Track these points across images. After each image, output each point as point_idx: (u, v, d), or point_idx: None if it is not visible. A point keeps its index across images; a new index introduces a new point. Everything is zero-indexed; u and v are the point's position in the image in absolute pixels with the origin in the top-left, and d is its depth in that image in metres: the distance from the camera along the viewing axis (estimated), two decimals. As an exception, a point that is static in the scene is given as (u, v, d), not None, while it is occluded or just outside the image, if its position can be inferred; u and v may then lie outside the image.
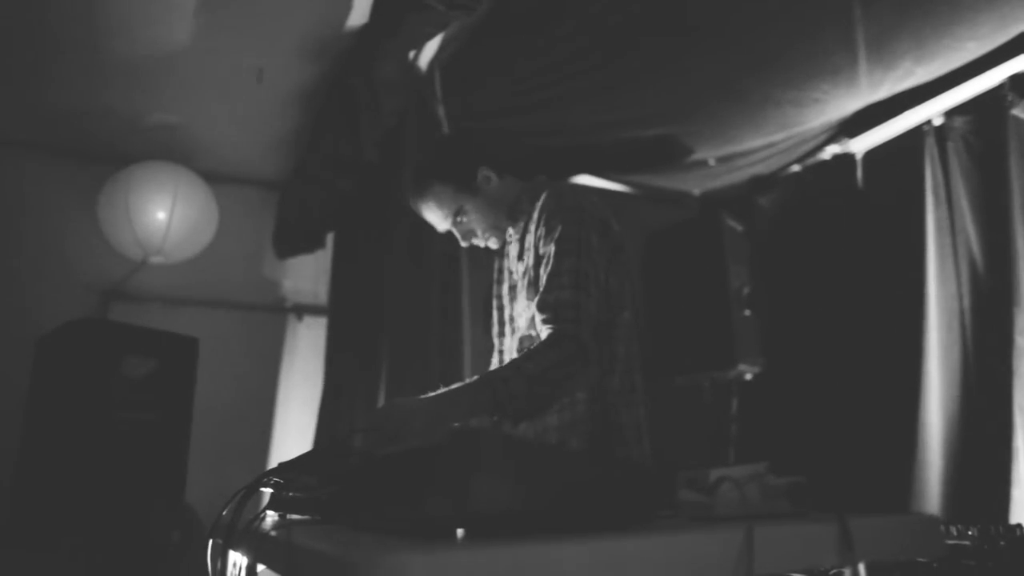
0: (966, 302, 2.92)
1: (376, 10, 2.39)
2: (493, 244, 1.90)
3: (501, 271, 1.95)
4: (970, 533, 1.69)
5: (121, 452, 2.30)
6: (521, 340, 1.76)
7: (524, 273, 1.76)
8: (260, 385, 3.68)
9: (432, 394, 1.62)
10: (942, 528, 1.02)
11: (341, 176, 2.99)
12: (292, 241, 3.54)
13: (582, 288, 1.62)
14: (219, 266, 3.64)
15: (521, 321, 1.77)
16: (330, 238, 3.74)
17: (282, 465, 1.59)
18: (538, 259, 1.70)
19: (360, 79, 2.50)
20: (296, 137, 3.48)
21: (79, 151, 3.49)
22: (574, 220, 1.67)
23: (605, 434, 1.65)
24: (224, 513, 1.52)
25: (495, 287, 1.98)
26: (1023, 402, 2.60)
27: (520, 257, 1.81)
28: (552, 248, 1.64)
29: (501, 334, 1.93)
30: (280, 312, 3.84)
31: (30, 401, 2.53)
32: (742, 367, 3.12)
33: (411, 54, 2.50)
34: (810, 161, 3.66)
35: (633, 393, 1.71)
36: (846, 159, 3.49)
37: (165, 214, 3.13)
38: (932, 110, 3.11)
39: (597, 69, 2.91)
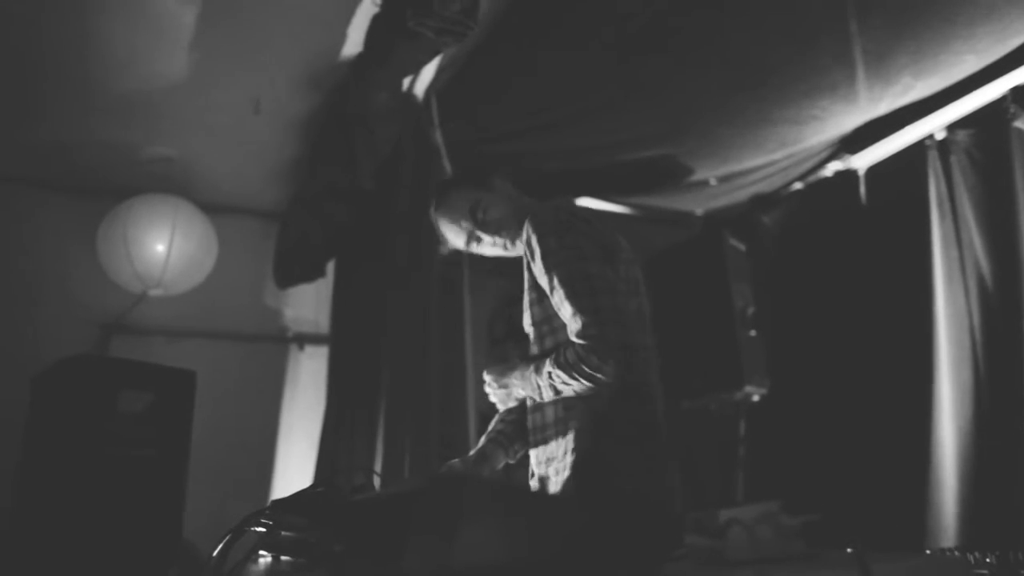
0: (975, 317, 2.86)
1: (368, 40, 2.39)
2: (510, 249, 1.93)
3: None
4: (988, 561, 1.63)
5: (118, 489, 2.25)
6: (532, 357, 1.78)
7: (527, 294, 1.78)
8: (262, 416, 3.65)
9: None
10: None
11: (339, 205, 2.98)
12: (292, 271, 3.52)
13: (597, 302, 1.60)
14: (220, 297, 3.61)
15: (531, 335, 1.78)
16: (331, 266, 3.72)
17: (274, 504, 1.55)
18: (534, 282, 1.72)
19: (355, 109, 2.50)
20: (294, 167, 3.47)
21: (77, 185, 3.49)
22: (570, 259, 1.65)
23: (611, 467, 1.60)
24: (215, 555, 1.48)
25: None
26: (1038, 419, 2.54)
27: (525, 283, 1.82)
28: (555, 276, 1.64)
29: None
30: (282, 342, 3.81)
31: (26, 440, 2.49)
32: (749, 388, 3.06)
33: (406, 82, 2.50)
34: (812, 178, 3.63)
35: (646, 421, 1.66)
36: (848, 175, 3.46)
37: (164, 246, 3.12)
38: (934, 124, 3.08)
39: (593, 91, 2.90)
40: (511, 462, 1.89)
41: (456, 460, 1.80)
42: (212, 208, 3.52)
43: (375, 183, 2.89)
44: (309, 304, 3.86)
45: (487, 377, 1.82)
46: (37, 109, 3.01)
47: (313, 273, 3.52)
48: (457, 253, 3.91)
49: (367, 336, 3.12)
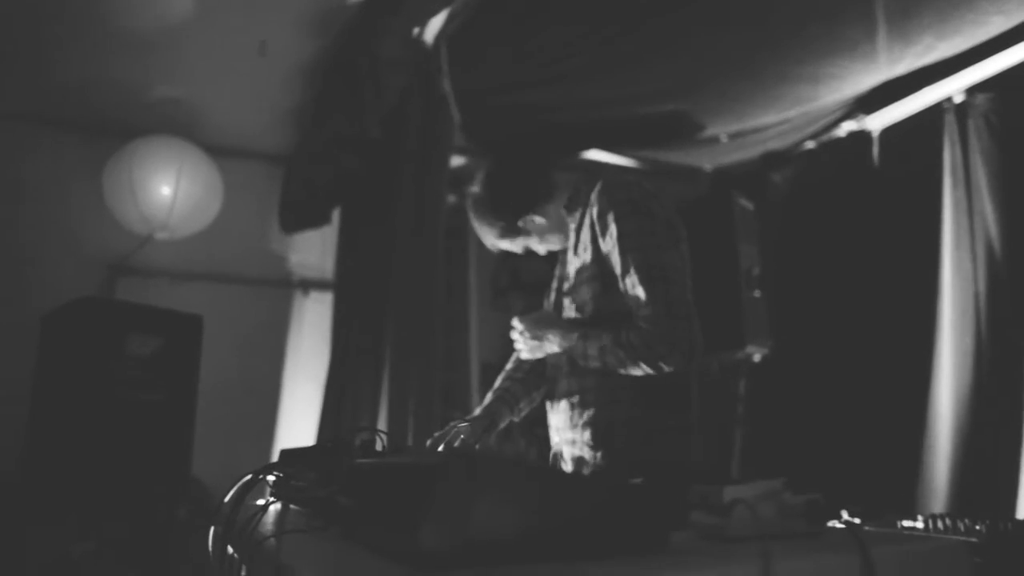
0: (981, 285, 2.86)
1: (379, -16, 2.33)
2: (559, 245, 1.89)
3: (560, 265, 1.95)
4: (978, 528, 1.68)
5: (126, 430, 2.31)
6: None
7: (582, 269, 1.74)
8: (267, 360, 3.69)
9: (557, 319, 1.76)
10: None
11: (345, 153, 2.95)
12: (297, 217, 3.52)
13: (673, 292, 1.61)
14: (225, 241, 3.61)
15: (576, 313, 1.75)
16: (336, 213, 3.70)
17: (284, 454, 1.59)
18: (598, 256, 1.69)
19: (363, 56, 2.45)
20: (301, 111, 3.42)
21: (83, 124, 3.45)
22: (650, 245, 1.63)
23: (650, 436, 1.67)
24: (226, 500, 1.52)
25: (554, 282, 1.97)
26: (1036, 388, 2.57)
27: (575, 251, 1.78)
28: (631, 259, 1.62)
29: None
30: (287, 287, 3.82)
31: (36, 379, 2.54)
32: (750, 348, 3.08)
33: (415, 30, 2.43)
34: (825, 138, 3.58)
35: (685, 395, 1.73)
36: (862, 136, 3.41)
37: (170, 189, 3.11)
38: (953, 87, 3.02)
39: (609, 43, 2.83)
40: (515, 419, 1.92)
41: (465, 422, 1.81)
42: (218, 151, 3.48)
43: (382, 131, 2.85)
44: (315, 250, 3.86)
45: (519, 324, 1.76)
46: (44, 47, 2.96)
47: (319, 220, 3.51)
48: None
49: (373, 283, 3.13)
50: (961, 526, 1.71)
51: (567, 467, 1.77)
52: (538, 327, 1.72)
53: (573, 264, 1.78)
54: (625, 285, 1.62)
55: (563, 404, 1.77)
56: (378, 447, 1.51)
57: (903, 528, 1.82)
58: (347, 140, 2.89)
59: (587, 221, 1.72)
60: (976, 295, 2.86)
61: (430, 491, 0.65)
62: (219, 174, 3.37)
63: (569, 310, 1.77)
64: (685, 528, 0.84)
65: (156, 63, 3.10)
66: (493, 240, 1.84)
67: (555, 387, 1.82)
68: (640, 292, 1.59)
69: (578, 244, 1.77)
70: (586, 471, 1.69)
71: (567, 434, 1.75)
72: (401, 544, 0.68)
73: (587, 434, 1.70)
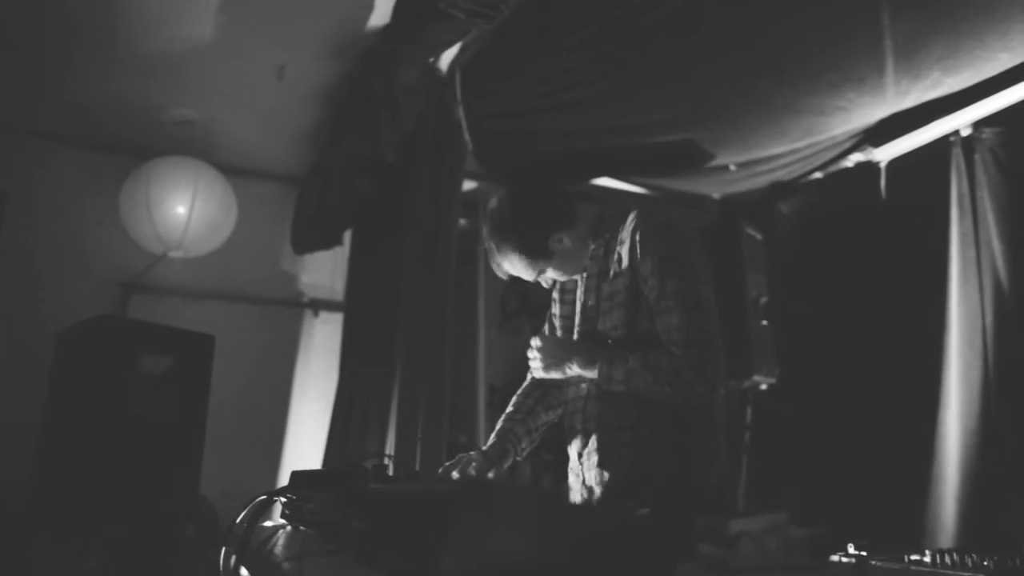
0: (988, 318, 2.87)
1: (396, 15, 2.38)
2: (577, 275, 1.93)
3: (570, 291, 1.97)
4: (986, 564, 1.67)
5: (137, 447, 2.33)
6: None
7: (613, 294, 1.77)
8: (276, 379, 3.72)
9: (580, 344, 1.80)
10: None
11: (359, 175, 3.00)
12: (310, 237, 3.56)
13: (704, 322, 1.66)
14: (238, 260, 3.66)
15: (607, 336, 1.77)
16: (348, 235, 3.75)
17: (296, 476, 1.60)
18: (633, 281, 1.72)
19: (379, 81, 2.50)
20: (316, 133, 3.48)
21: (101, 144, 3.52)
22: (688, 274, 1.70)
23: (685, 459, 1.70)
24: (238, 521, 1.54)
25: (559, 306, 2.01)
26: (1044, 422, 2.56)
27: (605, 276, 1.81)
28: (669, 286, 1.67)
29: None
30: (297, 307, 3.86)
31: (50, 394, 2.57)
32: (757, 378, 3.09)
33: (431, 59, 2.49)
34: (833, 168, 3.60)
35: (711, 417, 1.76)
36: (870, 168, 3.44)
37: (185, 209, 3.16)
38: (960, 121, 3.05)
39: (620, 72, 2.87)
40: (518, 459, 1.94)
41: (475, 454, 1.83)
42: (232, 171, 3.54)
43: (397, 155, 2.90)
44: (326, 270, 3.90)
45: (538, 343, 1.78)
46: (64, 66, 3.03)
47: (331, 241, 3.55)
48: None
49: (383, 306, 3.16)
50: (969, 561, 1.70)
51: (589, 491, 1.78)
52: (560, 350, 1.76)
53: (598, 291, 1.81)
54: (659, 308, 1.67)
55: (586, 428, 1.78)
56: (388, 473, 1.53)
57: (910, 562, 1.81)
58: (361, 162, 2.94)
59: (624, 247, 1.76)
60: (983, 328, 2.86)
61: (448, 519, 0.67)
62: (233, 194, 3.42)
63: (602, 328, 1.79)
64: (691, 560, 0.85)
65: (174, 84, 3.16)
66: (511, 263, 1.84)
67: (576, 412, 1.83)
68: (674, 318, 1.64)
69: (606, 270, 1.81)
70: (610, 494, 1.71)
71: (591, 458, 1.76)
72: (418, 571, 0.69)
73: (611, 458, 1.72)
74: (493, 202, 1.89)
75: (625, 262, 1.75)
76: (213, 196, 3.24)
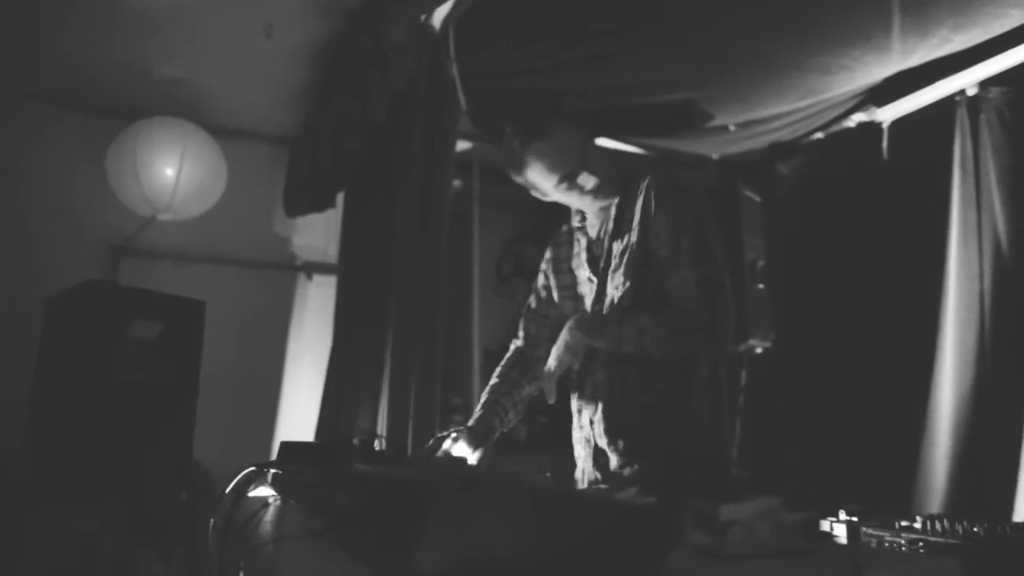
0: (987, 283, 2.84)
1: (387, -30, 2.29)
2: (593, 205, 1.87)
3: (576, 242, 1.95)
4: (975, 531, 1.68)
5: (129, 413, 2.32)
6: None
7: (625, 250, 1.76)
8: (269, 343, 3.70)
9: (584, 319, 1.76)
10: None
11: (349, 136, 2.93)
12: (302, 199, 3.50)
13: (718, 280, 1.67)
14: (229, 223, 3.61)
15: (616, 294, 1.76)
16: (341, 196, 3.69)
17: (285, 446, 1.59)
18: (644, 242, 1.72)
19: (369, 39, 2.42)
20: (307, 92, 3.40)
21: (86, 104, 3.43)
22: (702, 232, 1.71)
23: (682, 424, 1.72)
24: (227, 491, 1.53)
25: (555, 276, 1.99)
26: (1038, 387, 2.56)
27: (616, 235, 1.80)
28: (683, 240, 1.68)
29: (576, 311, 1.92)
30: (290, 270, 3.83)
31: (40, 360, 2.55)
32: (753, 341, 3.08)
33: (423, 16, 2.40)
34: (834, 129, 3.53)
35: (715, 383, 1.78)
36: (872, 128, 3.37)
37: (173, 171, 3.10)
38: (966, 80, 2.97)
39: (620, 31, 2.79)
40: (504, 430, 1.93)
41: (462, 430, 1.81)
42: (222, 132, 3.46)
43: (388, 115, 2.83)
44: (318, 233, 3.85)
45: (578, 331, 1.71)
46: (47, 24, 2.93)
47: (323, 203, 3.50)
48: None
49: (376, 268, 3.12)
50: (960, 528, 1.71)
51: (599, 455, 1.78)
52: (568, 337, 1.70)
53: (609, 251, 1.80)
54: (673, 263, 1.67)
55: (595, 394, 1.79)
56: (378, 448, 1.52)
57: (900, 528, 1.82)
58: (352, 122, 2.87)
59: (636, 204, 1.75)
60: (981, 292, 2.84)
61: (426, 509, 0.65)
62: (223, 156, 3.36)
63: (610, 288, 1.77)
64: (681, 546, 0.84)
65: (160, 43, 3.07)
66: (543, 158, 1.75)
67: (585, 381, 1.82)
68: (689, 273, 1.64)
69: (616, 229, 1.80)
70: (621, 460, 1.73)
71: (599, 426, 1.77)
72: (395, 561, 0.68)
73: (617, 425, 1.73)
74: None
75: (636, 219, 1.75)
76: (202, 158, 3.18)
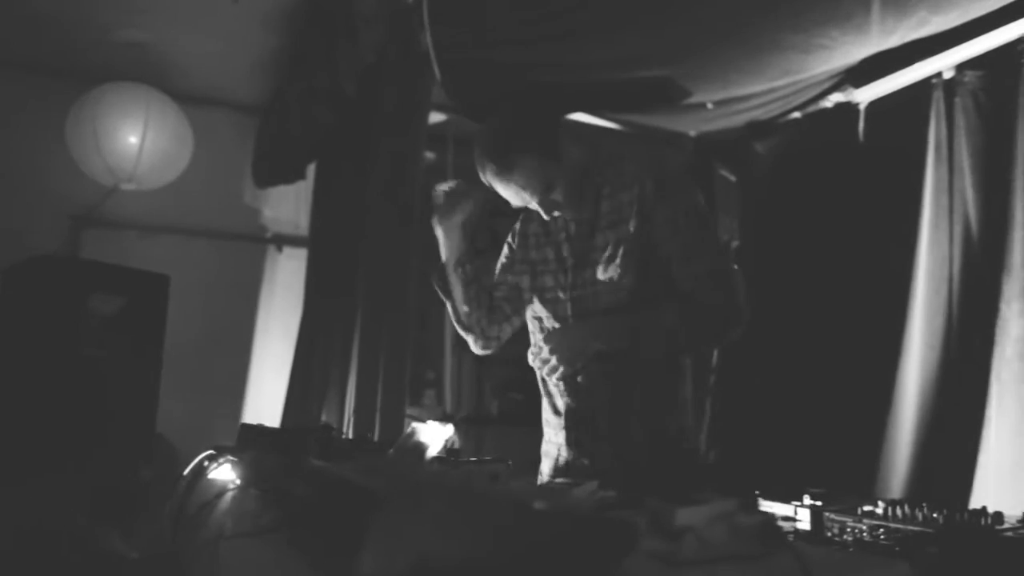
0: (956, 266, 2.86)
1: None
2: (570, 215, 1.80)
3: (547, 234, 1.87)
4: (935, 517, 1.69)
5: (89, 389, 2.28)
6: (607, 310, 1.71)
7: (619, 241, 1.70)
8: (238, 316, 3.64)
9: (592, 322, 1.72)
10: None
11: (319, 107, 2.86)
12: (271, 171, 3.42)
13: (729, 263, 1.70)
14: (197, 193, 3.53)
15: (609, 286, 1.71)
16: (312, 168, 3.61)
17: (245, 431, 1.56)
18: (645, 234, 1.68)
19: (338, 9, 2.34)
20: (277, 60, 3.30)
21: (45, 67, 3.31)
22: (709, 221, 1.73)
23: (670, 408, 1.73)
24: (185, 474, 1.51)
25: (525, 250, 1.92)
26: (1001, 371, 2.59)
27: (599, 223, 1.74)
28: (690, 225, 1.67)
29: (544, 300, 1.85)
30: (260, 242, 3.75)
31: (-3, 333, 2.48)
32: (725, 321, 3.08)
33: (394, -17, 2.32)
34: (811, 109, 3.51)
35: (685, 367, 1.79)
36: (849, 109, 3.36)
37: (136, 139, 3.00)
38: (944, 63, 2.96)
39: (597, 4, 2.74)
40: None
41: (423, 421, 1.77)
42: (189, 99, 3.36)
43: (358, 87, 2.76)
44: (289, 204, 3.78)
45: (546, 339, 1.68)
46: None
47: (293, 174, 3.43)
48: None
49: (346, 241, 3.08)
50: (920, 515, 1.73)
51: (583, 449, 1.76)
52: (577, 336, 1.68)
53: (591, 238, 1.74)
54: (686, 254, 1.65)
55: (581, 388, 1.75)
56: (339, 436, 1.49)
57: (863, 513, 1.83)
58: (321, 94, 2.79)
59: (628, 193, 1.72)
60: (950, 276, 2.86)
61: (370, 517, 0.63)
62: (189, 124, 3.26)
63: (602, 278, 1.72)
64: (635, 551, 0.83)
65: (123, 3, 2.95)
66: (521, 172, 1.67)
67: (578, 392, 1.76)
68: (705, 263, 1.63)
69: (598, 216, 1.74)
70: (596, 449, 1.72)
71: (579, 416, 1.76)
72: (343, 565, 0.66)
73: (603, 414, 1.72)
74: (486, 123, 1.78)
75: (631, 210, 1.70)
76: (166, 125, 3.08)
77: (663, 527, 0.75)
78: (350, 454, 1.22)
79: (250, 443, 1.37)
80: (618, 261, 1.70)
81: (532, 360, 1.70)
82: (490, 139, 1.71)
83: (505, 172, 1.68)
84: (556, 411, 1.81)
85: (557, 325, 1.80)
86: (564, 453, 1.78)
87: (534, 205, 1.76)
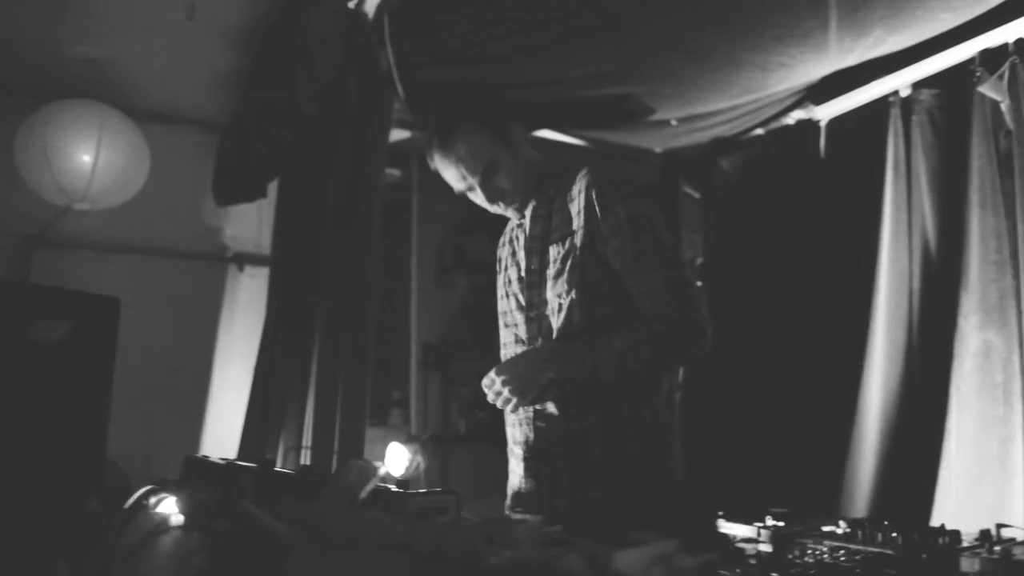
0: (915, 281, 2.90)
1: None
2: (513, 214, 1.75)
3: (512, 255, 1.80)
4: (893, 536, 1.69)
5: (34, 417, 2.18)
6: (561, 328, 1.62)
7: (565, 256, 1.62)
8: (198, 338, 3.55)
9: (543, 348, 1.63)
10: None
11: (278, 126, 2.81)
12: (232, 188, 3.35)
13: (687, 275, 1.61)
14: (156, 212, 3.44)
15: (559, 303, 1.63)
16: (275, 185, 3.55)
17: (190, 464, 1.51)
18: (591, 247, 1.60)
19: (296, 28, 2.31)
20: (237, 77, 3.24)
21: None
22: (658, 229, 1.62)
23: (654, 435, 1.64)
24: (127, 507, 1.45)
25: (503, 273, 1.85)
26: (960, 384, 2.61)
27: (548, 238, 1.67)
28: (638, 242, 1.57)
29: (506, 325, 1.79)
30: (220, 262, 3.67)
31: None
32: (690, 338, 3.08)
33: (352, 2, 2.30)
34: (774, 125, 3.55)
35: (672, 393, 1.74)
36: (810, 126, 3.40)
37: (90, 157, 2.92)
38: (900, 81, 3.01)
39: (558, 21, 2.73)
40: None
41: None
42: (146, 117, 3.29)
43: (318, 105, 2.72)
44: (251, 223, 3.71)
45: (497, 376, 1.58)
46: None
47: (254, 192, 3.35)
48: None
49: (307, 261, 3.03)
50: (879, 536, 1.72)
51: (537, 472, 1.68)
52: (527, 363, 1.58)
53: (542, 254, 1.67)
54: (635, 267, 1.56)
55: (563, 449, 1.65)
56: (281, 469, 1.43)
57: (823, 535, 1.83)
58: (280, 113, 2.75)
59: (573, 205, 1.63)
60: (910, 291, 2.90)
61: (280, 570, 0.59)
62: (146, 141, 3.19)
63: (551, 296, 1.64)
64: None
65: (75, 18, 2.88)
66: (465, 144, 1.62)
67: (545, 435, 1.66)
68: (656, 276, 1.54)
69: (548, 232, 1.67)
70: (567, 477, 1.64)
71: (546, 445, 1.66)
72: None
73: (573, 445, 1.62)
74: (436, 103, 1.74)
75: (577, 223, 1.62)
76: (121, 143, 3.00)
77: (600, 572, 0.73)
78: (288, 491, 1.16)
79: (193, 477, 1.31)
80: (565, 277, 1.61)
81: (487, 394, 1.60)
82: (437, 114, 1.69)
83: (447, 142, 1.63)
84: (515, 440, 1.75)
85: (518, 350, 1.73)
86: (522, 484, 1.72)
87: (477, 193, 1.68)
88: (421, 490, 1.14)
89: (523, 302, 1.72)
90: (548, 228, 1.69)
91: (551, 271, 1.65)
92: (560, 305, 1.62)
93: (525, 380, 1.56)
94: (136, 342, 2.53)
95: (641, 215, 1.59)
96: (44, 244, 3.22)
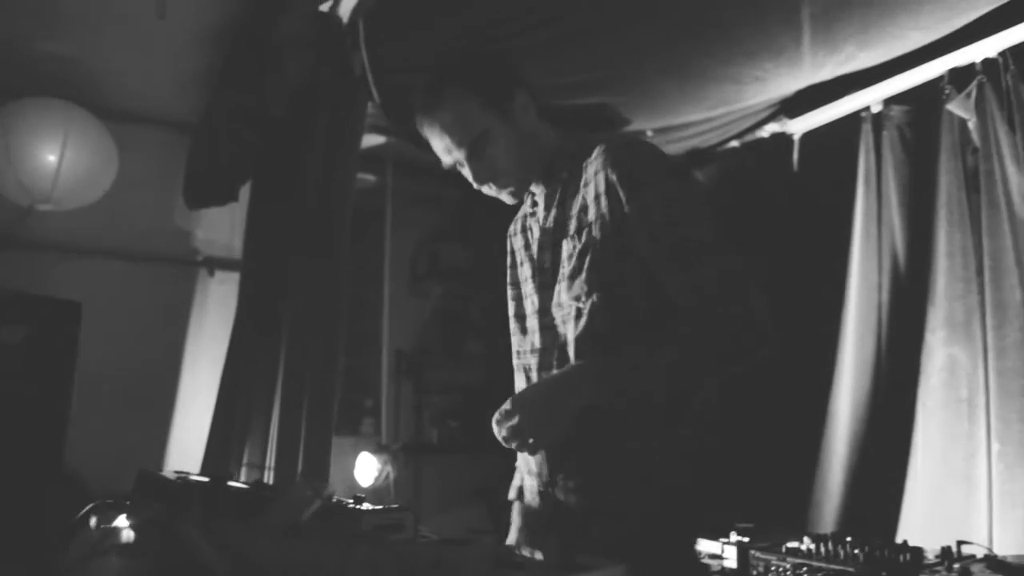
0: (884, 295, 2.93)
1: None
2: (508, 198, 1.48)
3: (525, 247, 1.54)
4: (856, 553, 1.69)
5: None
6: (578, 340, 1.34)
7: (585, 249, 1.35)
8: (166, 343, 3.48)
9: (554, 379, 1.34)
10: None
11: (247, 129, 2.77)
12: (203, 191, 3.29)
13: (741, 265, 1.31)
14: (124, 214, 3.38)
15: (571, 311, 1.37)
16: (246, 189, 3.50)
17: (143, 478, 1.47)
18: (617, 236, 1.31)
19: (267, 31, 2.28)
20: (208, 77, 3.19)
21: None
22: (701, 211, 1.35)
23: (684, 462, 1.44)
24: (74, 522, 1.41)
25: (510, 272, 1.59)
26: (926, 399, 2.64)
27: (565, 230, 1.41)
28: (678, 221, 1.30)
29: (522, 331, 1.52)
30: (190, 265, 3.61)
31: None
32: (662, 349, 3.08)
33: (325, 6, 2.28)
34: (749, 138, 3.58)
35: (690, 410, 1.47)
36: (783, 139, 3.43)
37: (54, 157, 2.86)
38: (872, 97, 3.05)
39: (532, 31, 2.73)
40: None
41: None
42: (115, 116, 3.22)
43: (289, 109, 2.69)
44: (222, 226, 3.65)
45: (502, 412, 1.25)
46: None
47: (225, 196, 3.30)
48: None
49: (276, 268, 2.99)
50: (842, 552, 1.72)
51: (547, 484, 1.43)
52: (545, 400, 1.26)
53: (555, 248, 1.42)
54: (679, 261, 1.28)
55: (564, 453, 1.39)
56: (237, 485, 1.40)
57: (787, 551, 1.83)
58: (249, 116, 2.71)
59: (590, 189, 1.36)
60: (879, 305, 2.92)
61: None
62: (113, 141, 3.13)
63: (567, 299, 1.38)
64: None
65: (42, 14, 2.82)
66: (456, 107, 1.38)
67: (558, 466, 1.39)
68: (706, 267, 1.28)
69: (565, 222, 1.42)
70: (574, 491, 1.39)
71: (569, 482, 1.40)
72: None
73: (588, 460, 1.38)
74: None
75: (594, 211, 1.35)
76: (88, 143, 2.94)
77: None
78: (237, 508, 1.12)
79: (146, 492, 1.28)
80: (583, 277, 1.34)
81: (496, 429, 1.27)
82: (425, 81, 1.45)
83: (433, 105, 1.40)
84: (529, 469, 1.49)
85: (533, 361, 1.46)
86: (529, 496, 1.50)
87: (465, 168, 1.42)
88: (377, 506, 1.11)
89: (537, 305, 1.47)
90: (562, 218, 1.43)
91: (565, 270, 1.38)
92: (579, 310, 1.35)
93: (547, 423, 1.26)
94: (100, 349, 2.47)
95: (675, 197, 1.32)
96: (6, 246, 3.14)
